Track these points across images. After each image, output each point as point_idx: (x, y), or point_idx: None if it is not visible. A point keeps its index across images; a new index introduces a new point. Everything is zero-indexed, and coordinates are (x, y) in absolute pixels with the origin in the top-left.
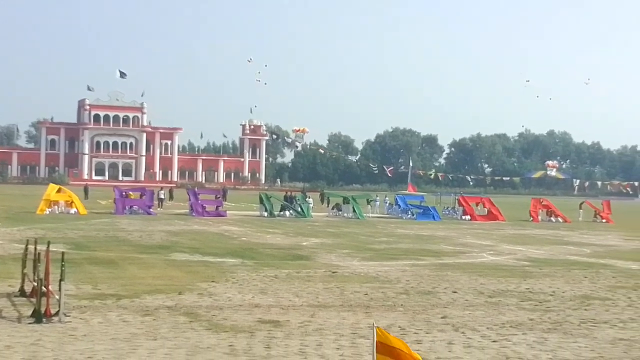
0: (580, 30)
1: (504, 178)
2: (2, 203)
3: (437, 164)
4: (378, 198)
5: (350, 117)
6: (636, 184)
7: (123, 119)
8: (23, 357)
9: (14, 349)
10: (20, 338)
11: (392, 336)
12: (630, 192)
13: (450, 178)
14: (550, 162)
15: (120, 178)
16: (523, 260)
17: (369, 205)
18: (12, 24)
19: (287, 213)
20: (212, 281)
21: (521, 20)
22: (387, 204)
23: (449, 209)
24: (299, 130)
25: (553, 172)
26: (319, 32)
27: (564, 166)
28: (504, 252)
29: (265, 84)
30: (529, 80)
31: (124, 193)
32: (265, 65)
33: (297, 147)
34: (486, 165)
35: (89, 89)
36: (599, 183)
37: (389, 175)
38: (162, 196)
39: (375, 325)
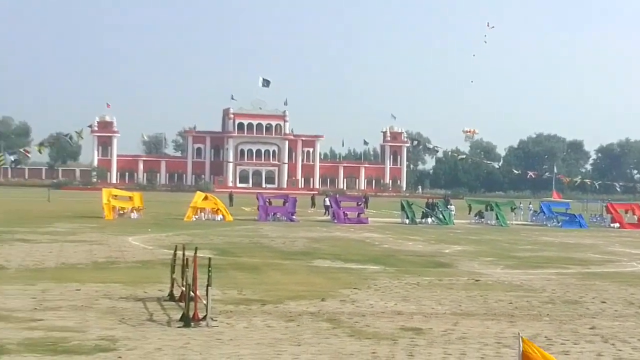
0: None
1: None
2: (151, 210)
3: (582, 170)
4: (522, 205)
5: (492, 123)
6: None
7: (266, 127)
8: (172, 359)
9: (164, 352)
10: (169, 341)
11: (539, 348)
12: None
13: (597, 185)
14: None
15: (264, 185)
16: None
17: (513, 213)
18: (158, 39)
19: (429, 220)
20: (354, 288)
21: None
22: (531, 211)
23: (597, 216)
24: (468, 131)
25: None
26: (458, 39)
27: None
28: None
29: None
30: None
31: (267, 200)
32: (486, 41)
33: (436, 152)
34: (635, 172)
35: (232, 98)
36: None
37: (533, 177)
38: (327, 203)
39: (520, 334)
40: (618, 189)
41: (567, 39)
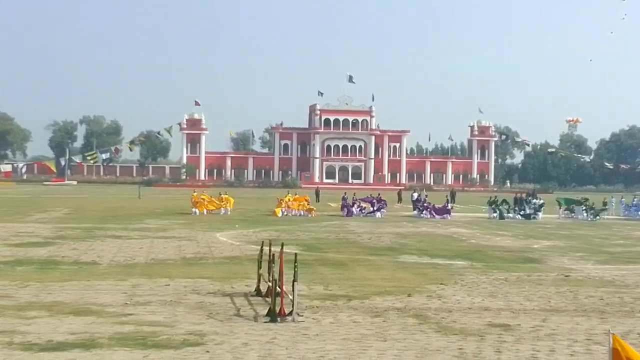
0: None
1: None
2: (239, 206)
3: None
4: (613, 199)
5: (583, 116)
6: None
7: (352, 122)
8: (259, 354)
9: (251, 347)
10: (256, 336)
11: (629, 346)
12: None
13: None
14: None
15: (350, 181)
16: None
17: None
18: (245, 37)
19: (517, 215)
20: (441, 283)
21: None
22: (623, 205)
23: None
24: (571, 120)
25: None
26: (541, 32)
27: None
28: None
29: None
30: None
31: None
32: (624, 17)
33: (526, 146)
34: None
35: (319, 94)
36: None
37: (625, 170)
38: (414, 198)
39: (611, 331)
40: None
41: None
